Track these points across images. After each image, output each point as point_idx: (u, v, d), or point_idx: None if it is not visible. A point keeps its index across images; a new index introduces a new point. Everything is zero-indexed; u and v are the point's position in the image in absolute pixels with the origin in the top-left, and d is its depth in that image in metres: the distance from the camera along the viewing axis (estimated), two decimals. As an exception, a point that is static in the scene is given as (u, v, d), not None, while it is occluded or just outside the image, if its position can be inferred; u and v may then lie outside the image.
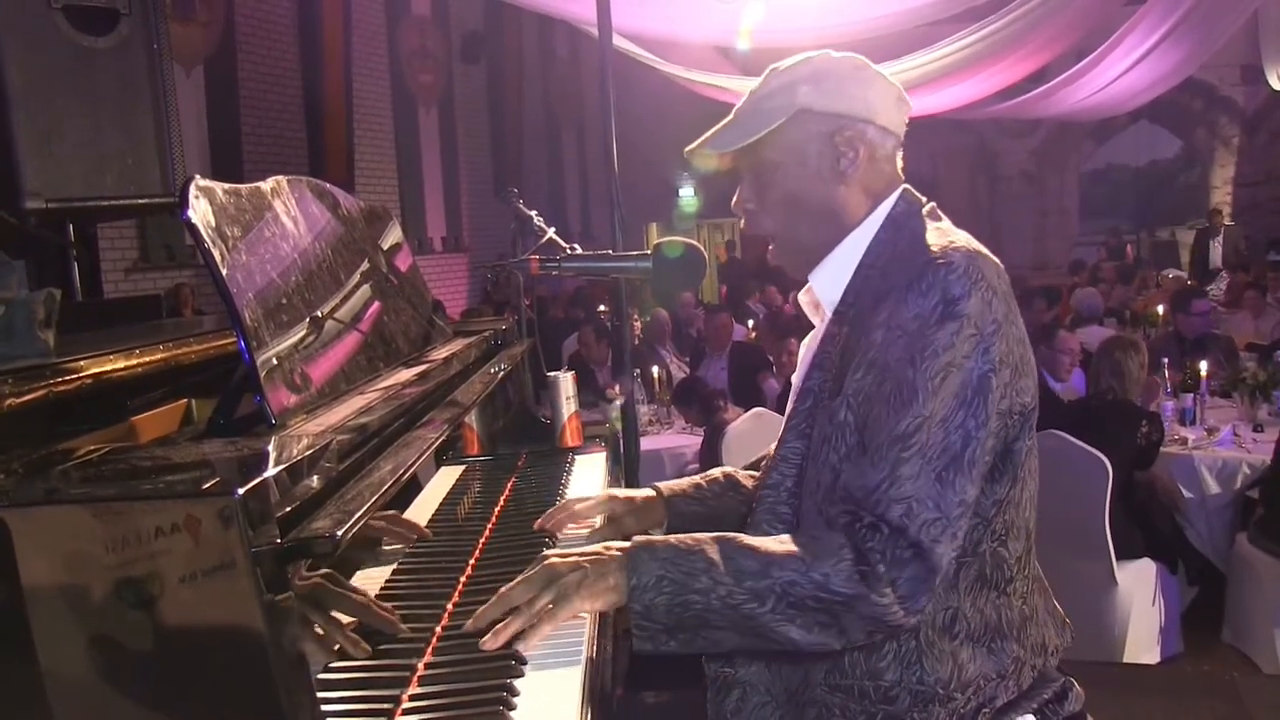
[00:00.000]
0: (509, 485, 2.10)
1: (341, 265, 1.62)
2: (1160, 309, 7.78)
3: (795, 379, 1.71)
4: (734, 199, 1.72)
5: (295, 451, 0.98)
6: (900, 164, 1.67)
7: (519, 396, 2.56)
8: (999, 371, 1.43)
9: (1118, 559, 4.15)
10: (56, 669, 0.88)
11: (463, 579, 1.56)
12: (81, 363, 1.34)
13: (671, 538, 1.45)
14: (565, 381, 2.39)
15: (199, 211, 1.21)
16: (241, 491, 0.82)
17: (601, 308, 10.49)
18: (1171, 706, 3.73)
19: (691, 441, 5.89)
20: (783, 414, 5.43)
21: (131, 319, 2.33)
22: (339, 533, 0.93)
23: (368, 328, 1.64)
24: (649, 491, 1.86)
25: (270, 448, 1.01)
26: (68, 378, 1.32)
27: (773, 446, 1.99)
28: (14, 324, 1.53)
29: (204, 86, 8.02)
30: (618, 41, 9.33)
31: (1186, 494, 4.88)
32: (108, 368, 1.38)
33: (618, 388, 5.65)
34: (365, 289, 1.69)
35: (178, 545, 0.82)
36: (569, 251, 1.86)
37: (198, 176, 1.25)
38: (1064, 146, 17.35)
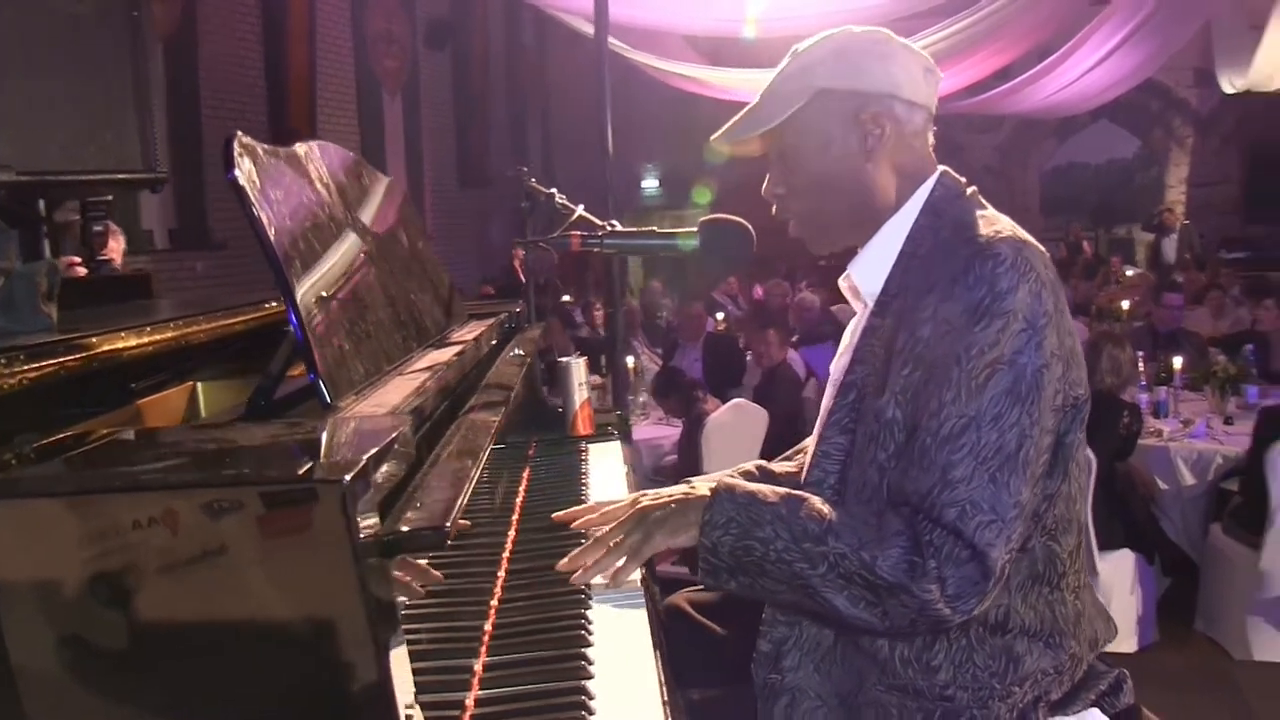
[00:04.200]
0: (524, 476, 2.01)
1: (372, 239, 1.53)
2: (1126, 304, 7.86)
3: (834, 369, 1.65)
4: (764, 185, 1.66)
5: (377, 436, 0.88)
6: (932, 140, 1.61)
7: (528, 382, 2.47)
8: (1051, 366, 1.39)
9: (1099, 549, 4.18)
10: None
11: (501, 574, 1.48)
12: (93, 339, 1.24)
13: (753, 485, 1.47)
14: (577, 368, 2.31)
15: (245, 171, 1.12)
16: (349, 477, 0.73)
17: (566, 298, 10.37)
18: (1166, 693, 3.76)
19: (669, 433, 5.83)
20: (761, 405, 5.35)
21: (121, 298, 2.21)
22: (447, 524, 0.85)
23: (400, 306, 1.55)
24: (684, 489, 1.79)
25: (346, 431, 0.92)
26: (78, 355, 1.21)
27: (810, 440, 1.94)
28: (14, 296, 1.42)
29: (163, 66, 7.78)
30: (584, 27, 9.26)
31: (1162, 485, 4.93)
32: (119, 345, 1.28)
33: (597, 376, 5.58)
34: (395, 265, 1.60)
35: (275, 534, 0.73)
36: (610, 228, 1.78)
37: (239, 133, 1.15)
38: (1027, 143, 17.50)
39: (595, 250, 1.73)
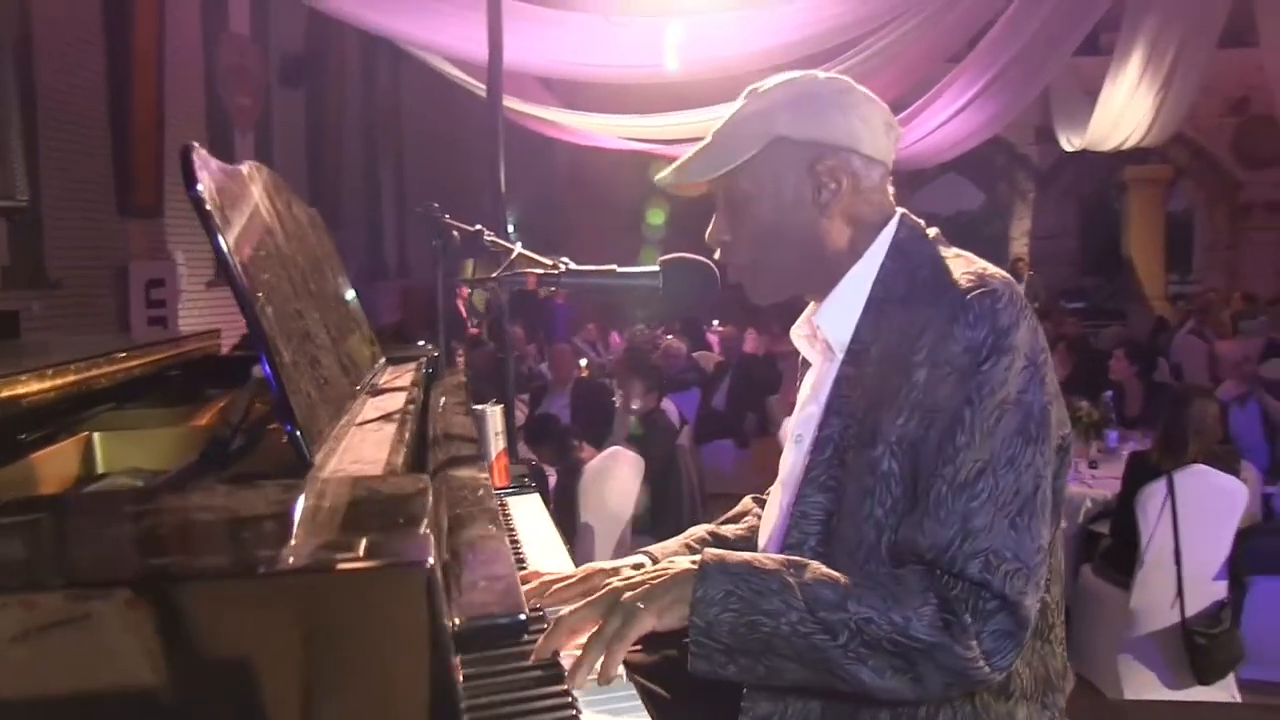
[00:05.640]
0: (446, 532, 1.83)
1: (311, 274, 1.36)
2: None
3: (797, 425, 1.57)
4: (709, 230, 1.57)
5: (406, 503, 0.73)
6: (891, 192, 1.56)
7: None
8: (1053, 405, 1.35)
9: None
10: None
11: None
12: (-8, 385, 1.04)
13: (746, 554, 1.33)
14: (494, 416, 2.15)
15: (208, 190, 0.95)
16: (431, 559, 0.58)
17: (421, 342, 10.08)
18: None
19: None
20: (639, 453, 5.15)
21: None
22: (523, 613, 0.70)
23: (341, 349, 1.38)
24: (639, 560, 1.66)
25: (362, 496, 0.76)
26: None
27: (749, 499, 1.83)
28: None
29: (-6, 96, 7.23)
30: (442, 66, 9.12)
31: (1034, 528, 5.03)
32: (20, 391, 1.08)
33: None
34: (329, 303, 1.43)
35: (335, 629, 0.57)
36: (564, 266, 1.64)
37: (195, 144, 0.98)
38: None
39: (553, 289, 1.59)
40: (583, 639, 1.30)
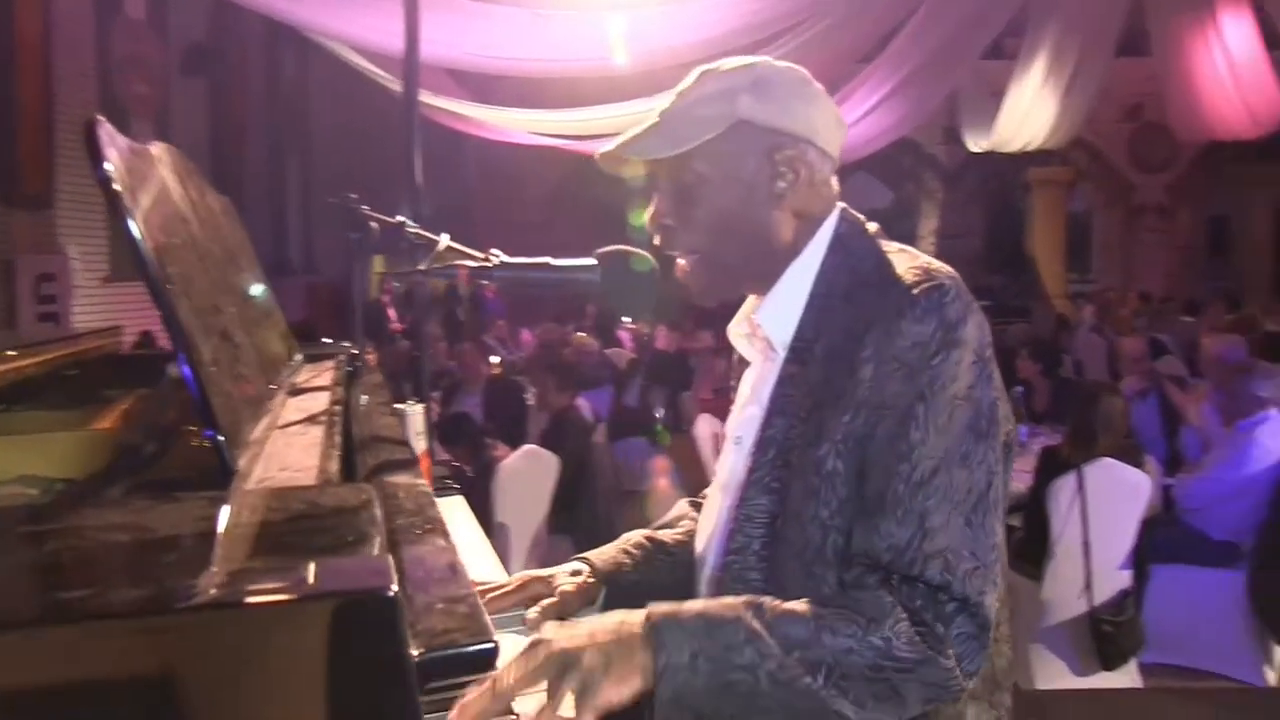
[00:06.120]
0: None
1: (226, 265, 1.26)
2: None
3: (737, 426, 1.52)
4: (648, 214, 1.51)
5: (351, 516, 0.65)
6: (836, 188, 1.52)
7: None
8: (1001, 400, 1.32)
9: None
10: None
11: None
12: None
13: (696, 605, 1.22)
14: (416, 416, 2.06)
15: (117, 169, 0.85)
16: (394, 588, 0.50)
17: (327, 340, 9.82)
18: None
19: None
20: (552, 450, 5.07)
21: None
22: (491, 640, 0.62)
23: (259, 346, 1.28)
24: (576, 567, 1.58)
25: (299, 510, 0.68)
26: None
27: (684, 503, 1.78)
28: None
29: None
30: (350, 57, 8.88)
31: (948, 522, 5.10)
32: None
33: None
34: (242, 296, 1.32)
35: (291, 662, 0.49)
36: (495, 259, 1.54)
37: (100, 117, 0.88)
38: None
39: (484, 283, 1.50)
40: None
